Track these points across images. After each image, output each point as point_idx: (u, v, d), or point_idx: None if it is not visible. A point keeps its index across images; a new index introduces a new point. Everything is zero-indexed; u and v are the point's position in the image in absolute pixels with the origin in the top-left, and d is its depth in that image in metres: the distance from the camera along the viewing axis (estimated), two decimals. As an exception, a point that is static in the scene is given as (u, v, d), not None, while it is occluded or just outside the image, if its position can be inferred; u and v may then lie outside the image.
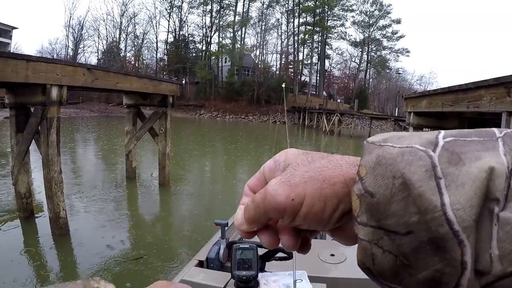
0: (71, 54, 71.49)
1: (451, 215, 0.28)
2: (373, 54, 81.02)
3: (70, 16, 72.54)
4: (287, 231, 0.42)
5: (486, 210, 0.28)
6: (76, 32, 73.13)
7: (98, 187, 10.09)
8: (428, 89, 77.74)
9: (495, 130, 0.33)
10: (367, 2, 76.87)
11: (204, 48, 75.57)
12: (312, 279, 2.20)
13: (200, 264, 2.74)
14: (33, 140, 6.22)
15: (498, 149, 0.30)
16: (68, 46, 73.13)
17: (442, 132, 0.33)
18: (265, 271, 2.32)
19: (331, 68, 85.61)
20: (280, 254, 2.34)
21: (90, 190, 9.68)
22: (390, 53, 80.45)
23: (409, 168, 0.31)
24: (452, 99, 6.10)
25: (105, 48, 76.14)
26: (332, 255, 2.98)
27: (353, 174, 0.37)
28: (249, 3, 73.24)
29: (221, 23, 72.44)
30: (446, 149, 0.31)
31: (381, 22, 78.05)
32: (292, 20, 75.37)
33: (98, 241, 6.39)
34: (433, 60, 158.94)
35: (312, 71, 78.08)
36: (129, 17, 75.55)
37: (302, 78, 78.64)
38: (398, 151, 0.32)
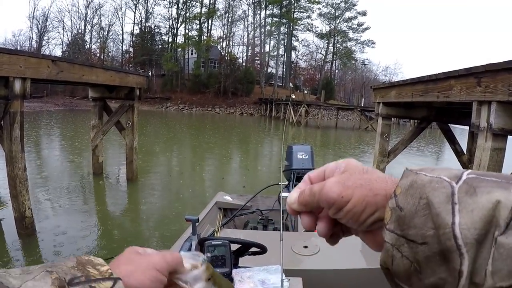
0: (35, 46, 68.83)
1: (458, 232, 0.37)
2: (339, 45, 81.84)
3: (35, 7, 71.10)
4: (325, 220, 0.52)
5: (490, 234, 0.36)
6: (41, 23, 70.15)
7: (64, 183, 9.77)
8: (393, 79, 79.46)
9: None
10: (334, -6, 77.50)
11: (170, 40, 74.49)
12: (287, 273, 2.15)
13: None
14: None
15: (510, 189, 0.37)
16: (32, 38, 70.32)
17: (469, 170, 0.42)
18: (239, 267, 2.27)
19: (298, 59, 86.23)
20: (253, 249, 2.28)
21: (56, 187, 9.36)
22: (355, 44, 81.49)
23: (433, 193, 0.40)
24: (422, 89, 6.15)
25: (70, 40, 73.71)
26: (305, 247, 2.95)
27: (392, 191, 0.45)
28: (215, -6, 72.68)
29: (187, 14, 71.35)
30: (466, 183, 0.39)
31: (347, 14, 78.73)
32: (259, 11, 75.24)
33: (66, 240, 6.16)
34: (398, 51, 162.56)
35: (279, 63, 78.19)
36: (94, 8, 73.29)
37: (269, 70, 78.87)
38: (428, 179, 0.42)
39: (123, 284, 0.48)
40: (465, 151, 8.65)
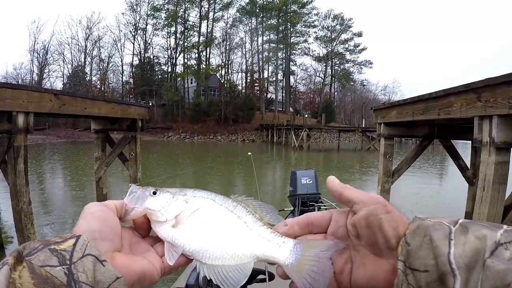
0: (36, 79, 69.87)
1: (452, 259, 0.46)
2: (337, 68, 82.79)
3: (35, 41, 71.17)
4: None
5: (479, 261, 0.45)
6: (41, 56, 71.48)
7: (69, 216, 9.73)
8: (392, 98, 79.85)
9: (505, 225, 0.48)
10: (329, 17, 78.87)
11: (169, 69, 75.59)
12: None
13: None
14: (0, 170, 5.95)
15: (497, 231, 0.46)
16: (33, 71, 71.52)
17: (466, 220, 0.51)
18: None
19: (296, 84, 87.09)
20: (261, 276, 2.24)
21: (60, 220, 9.33)
22: (353, 65, 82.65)
23: (435, 232, 0.50)
24: (422, 108, 6.18)
25: (70, 72, 74.88)
26: None
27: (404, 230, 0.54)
28: (212, 23, 73.75)
29: (185, 44, 72.36)
30: (461, 225, 0.49)
31: (343, 36, 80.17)
32: (256, 38, 76.40)
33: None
34: (395, 69, 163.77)
35: (278, 88, 78.63)
36: (93, 41, 74.87)
37: (268, 95, 79.29)
38: (432, 223, 0.51)
39: (85, 237, 0.50)
40: (469, 166, 8.61)
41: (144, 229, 0.66)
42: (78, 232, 0.51)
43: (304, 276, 0.59)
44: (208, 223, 0.64)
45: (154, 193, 0.64)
